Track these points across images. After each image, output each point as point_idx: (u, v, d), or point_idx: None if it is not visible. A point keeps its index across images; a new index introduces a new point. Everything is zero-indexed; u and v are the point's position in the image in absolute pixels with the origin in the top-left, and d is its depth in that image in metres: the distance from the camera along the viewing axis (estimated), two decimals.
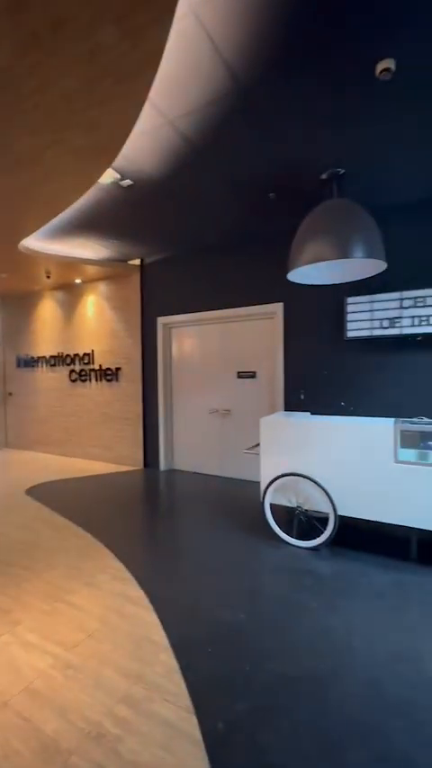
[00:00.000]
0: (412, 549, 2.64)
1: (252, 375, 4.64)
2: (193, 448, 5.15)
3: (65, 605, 2.21)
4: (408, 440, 2.71)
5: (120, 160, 2.87)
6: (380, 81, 2.13)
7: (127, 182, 3.18)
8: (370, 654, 1.79)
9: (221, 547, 2.92)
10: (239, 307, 4.60)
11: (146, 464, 5.43)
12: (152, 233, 4.39)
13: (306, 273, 3.30)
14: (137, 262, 5.33)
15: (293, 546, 2.90)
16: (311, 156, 2.90)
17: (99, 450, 5.94)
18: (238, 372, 4.73)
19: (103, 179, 3.07)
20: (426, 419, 2.78)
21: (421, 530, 2.51)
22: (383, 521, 2.60)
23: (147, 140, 2.66)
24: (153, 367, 5.32)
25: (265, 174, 3.13)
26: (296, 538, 2.91)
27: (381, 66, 2.05)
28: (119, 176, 3.08)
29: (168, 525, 3.45)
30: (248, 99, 2.29)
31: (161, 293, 5.22)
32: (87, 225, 4.07)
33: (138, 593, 2.32)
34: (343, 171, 3.09)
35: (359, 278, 3.26)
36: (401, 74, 2.09)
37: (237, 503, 3.93)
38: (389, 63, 2.04)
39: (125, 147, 2.71)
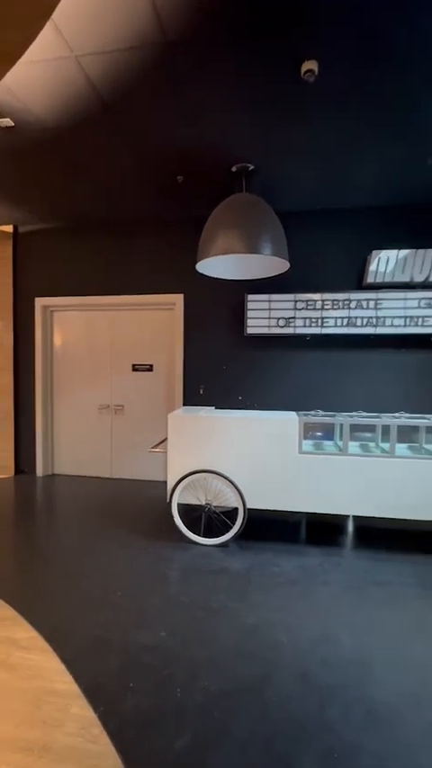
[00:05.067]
0: (302, 533, 2.86)
1: (149, 368, 4.36)
2: (79, 448, 4.58)
3: None
4: (309, 431, 2.91)
5: (1, 91, 2.27)
6: (303, 82, 2.16)
7: (7, 121, 2.55)
8: (295, 646, 1.81)
9: (125, 558, 2.62)
10: (137, 294, 4.26)
11: (18, 470, 4.59)
12: (33, 194, 3.68)
13: (214, 265, 3.22)
14: (8, 228, 4.43)
15: (202, 545, 2.80)
16: (225, 145, 2.82)
17: None
18: (134, 365, 4.39)
19: None
20: (321, 412, 3.03)
21: (323, 514, 2.71)
22: (289, 510, 2.72)
23: (42, 72, 2.16)
24: (29, 355, 4.52)
25: (175, 152, 2.91)
26: (204, 536, 2.83)
27: (305, 66, 2.09)
28: None
29: (56, 542, 2.93)
30: (172, 58, 2.05)
31: (41, 270, 4.45)
32: None
33: (28, 633, 1.87)
34: (252, 167, 3.10)
35: (264, 276, 3.34)
36: (323, 81, 2.16)
37: (134, 506, 3.63)
38: (313, 65, 2.08)
39: (11, 74, 2.15)
